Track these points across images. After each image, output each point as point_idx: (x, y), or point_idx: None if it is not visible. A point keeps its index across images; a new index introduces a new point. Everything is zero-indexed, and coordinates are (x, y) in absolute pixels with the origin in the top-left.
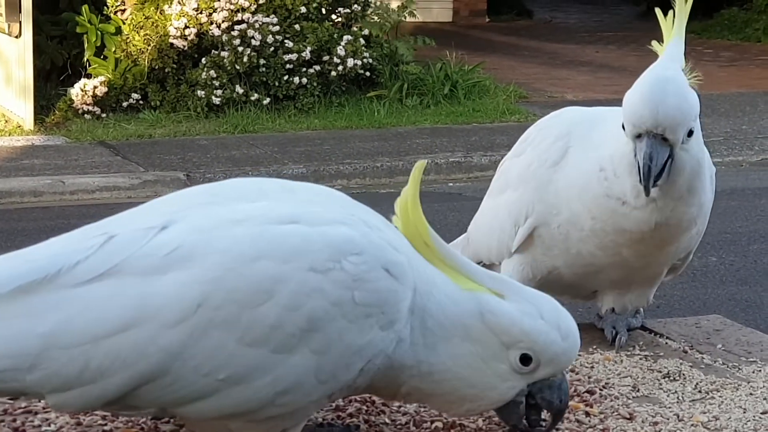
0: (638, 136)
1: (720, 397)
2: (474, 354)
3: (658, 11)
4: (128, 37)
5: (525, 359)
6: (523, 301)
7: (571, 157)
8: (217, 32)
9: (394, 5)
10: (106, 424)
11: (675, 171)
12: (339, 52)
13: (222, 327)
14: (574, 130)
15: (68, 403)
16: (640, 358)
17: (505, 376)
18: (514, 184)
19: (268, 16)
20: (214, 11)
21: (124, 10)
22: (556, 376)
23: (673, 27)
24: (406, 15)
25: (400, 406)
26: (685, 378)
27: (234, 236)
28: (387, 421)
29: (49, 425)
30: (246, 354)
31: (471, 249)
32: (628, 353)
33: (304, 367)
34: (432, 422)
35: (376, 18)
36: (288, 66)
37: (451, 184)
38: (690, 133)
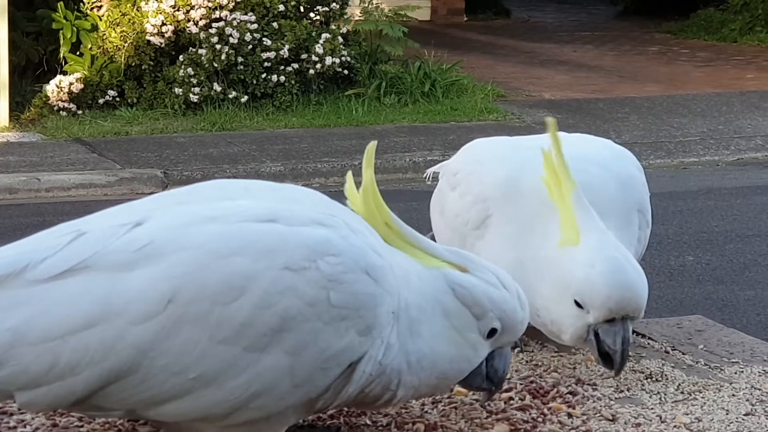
0: (609, 321)
1: (702, 398)
2: (451, 328)
3: (543, 151)
4: (105, 34)
5: (493, 328)
6: (485, 273)
7: (492, 231)
8: (194, 29)
9: (382, 5)
10: (82, 426)
11: None
12: (317, 50)
13: (192, 324)
14: (493, 194)
15: (37, 401)
16: None
17: (477, 345)
18: (448, 219)
19: (246, 13)
20: (191, 8)
21: (100, 7)
22: (507, 347)
23: (563, 184)
24: (407, 14)
25: None
26: (667, 379)
27: (207, 233)
28: (368, 422)
29: (24, 426)
30: (217, 352)
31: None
32: None
33: (277, 368)
34: (413, 423)
35: (359, 13)
36: (266, 64)
37: (429, 183)
38: None
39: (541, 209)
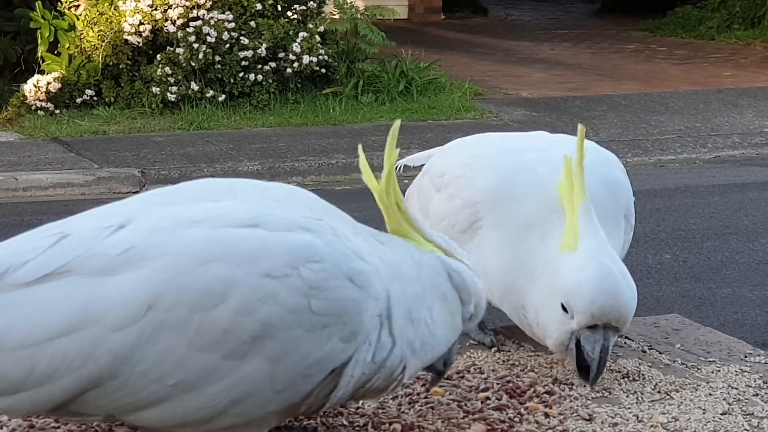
0: (591, 327)
1: (679, 397)
2: (448, 313)
3: (566, 158)
4: (82, 33)
5: (471, 314)
6: (465, 260)
7: (482, 233)
8: (172, 29)
9: (357, 3)
10: (59, 427)
11: None
12: (295, 49)
13: (172, 330)
14: (484, 199)
15: (16, 407)
16: None
17: (458, 330)
18: (433, 221)
19: (223, 12)
20: (169, 7)
21: (78, 6)
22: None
23: (575, 191)
24: (384, 15)
25: (358, 408)
26: (644, 378)
27: (188, 237)
28: (345, 422)
29: (1, 428)
30: (197, 359)
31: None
32: None
33: (257, 375)
34: (390, 423)
35: (336, 13)
36: (243, 63)
37: (406, 181)
38: None
39: (540, 213)
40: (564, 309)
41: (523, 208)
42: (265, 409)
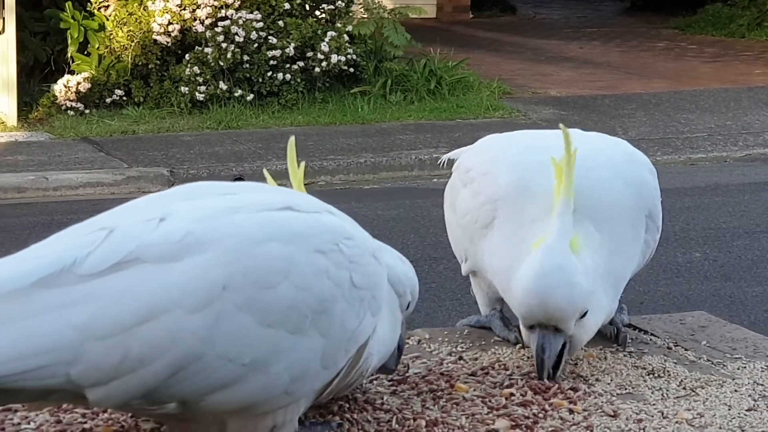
0: (530, 327)
1: (705, 394)
2: (389, 312)
3: (553, 159)
4: (112, 34)
5: (408, 302)
6: (391, 252)
7: (494, 229)
8: (200, 28)
9: (385, 2)
10: (86, 422)
11: (573, 347)
12: (323, 48)
13: (244, 309)
14: (504, 196)
15: (109, 396)
16: (625, 355)
17: (399, 323)
18: (458, 216)
19: (251, 12)
20: (197, 7)
21: (107, 6)
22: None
23: (562, 185)
24: (411, 14)
25: (383, 403)
26: (669, 375)
27: (238, 222)
28: (369, 418)
29: (28, 423)
30: (266, 336)
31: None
32: (613, 350)
33: (312, 350)
34: (414, 419)
35: (363, 13)
36: (272, 62)
37: (435, 180)
38: (584, 315)
39: (546, 211)
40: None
41: (533, 205)
42: (313, 386)
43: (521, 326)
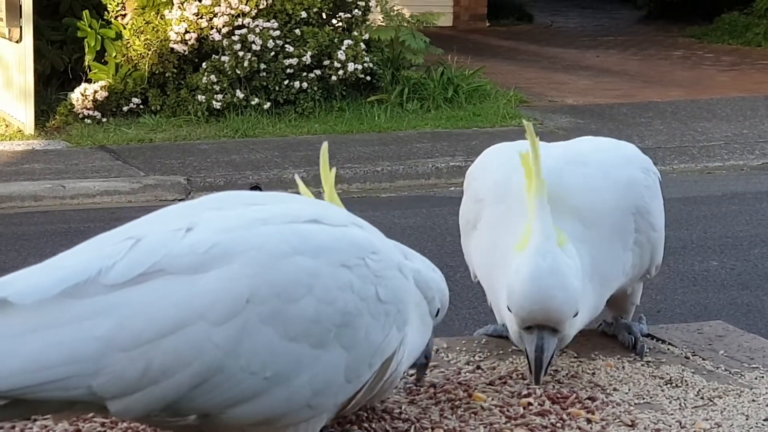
0: (527, 328)
1: (722, 403)
2: (419, 317)
3: (523, 159)
4: (129, 42)
5: (438, 308)
6: (420, 258)
7: (478, 227)
8: (217, 37)
9: (403, 10)
10: (104, 431)
11: (562, 344)
12: (339, 56)
13: (267, 322)
14: (486, 196)
15: (131, 408)
16: (642, 365)
17: (430, 328)
18: (461, 222)
19: (268, 20)
20: (214, 16)
21: (124, 15)
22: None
23: (532, 189)
24: (431, 23)
25: (401, 413)
26: (687, 384)
27: (264, 234)
28: (387, 428)
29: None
30: (289, 350)
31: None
32: (630, 359)
33: (335, 364)
34: (433, 429)
35: (381, 19)
36: (288, 70)
37: (452, 188)
38: (575, 314)
39: (523, 210)
40: (509, 308)
41: (512, 204)
42: (335, 400)
43: (512, 327)
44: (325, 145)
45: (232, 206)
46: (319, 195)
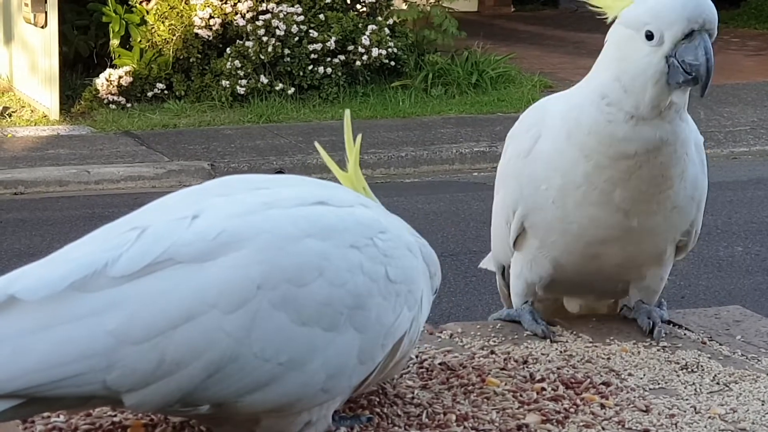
0: (687, 36)
1: (738, 389)
2: (427, 292)
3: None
4: (153, 27)
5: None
6: (418, 235)
7: (542, 140)
8: (241, 22)
9: None
10: (115, 415)
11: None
12: (363, 41)
13: (279, 307)
14: (546, 116)
15: (146, 401)
16: (658, 350)
17: (429, 304)
18: (500, 183)
19: (292, 5)
20: (238, 1)
21: (149, 0)
22: None
23: None
24: (450, 2)
25: (413, 398)
26: (703, 370)
27: (272, 218)
28: (399, 413)
29: (58, 416)
30: (302, 334)
31: (492, 252)
32: (646, 344)
33: (348, 346)
34: (445, 414)
35: (404, 5)
36: (312, 56)
37: (476, 174)
38: None
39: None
40: (649, 38)
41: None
42: (350, 382)
43: (657, 61)
44: (347, 113)
45: (237, 191)
46: (343, 164)
